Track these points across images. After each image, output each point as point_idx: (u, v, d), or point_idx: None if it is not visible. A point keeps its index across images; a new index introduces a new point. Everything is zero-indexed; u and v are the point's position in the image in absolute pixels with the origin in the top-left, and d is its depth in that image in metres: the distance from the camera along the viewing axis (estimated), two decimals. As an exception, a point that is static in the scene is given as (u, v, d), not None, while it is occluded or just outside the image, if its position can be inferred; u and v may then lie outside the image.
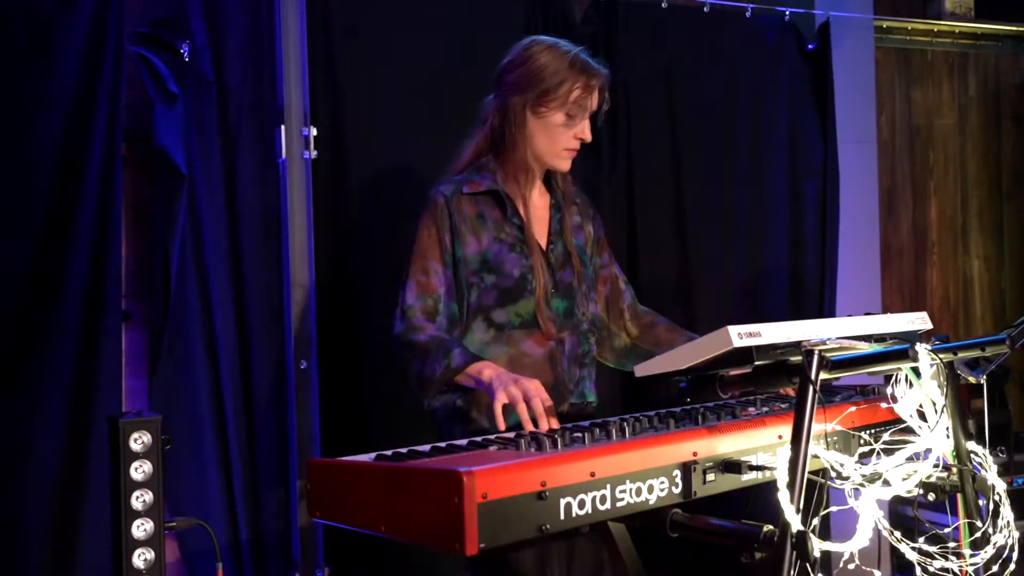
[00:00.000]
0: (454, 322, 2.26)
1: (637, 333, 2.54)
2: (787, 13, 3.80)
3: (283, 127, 2.99)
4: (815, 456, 1.67)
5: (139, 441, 1.92)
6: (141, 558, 1.94)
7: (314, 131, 3.02)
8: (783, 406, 2.02)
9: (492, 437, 1.86)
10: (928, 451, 1.73)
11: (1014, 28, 4.48)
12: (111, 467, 1.96)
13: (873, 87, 4.08)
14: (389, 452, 1.71)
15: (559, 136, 2.29)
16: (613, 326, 2.54)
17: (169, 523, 2.02)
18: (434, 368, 2.10)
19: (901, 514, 3.43)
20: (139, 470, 1.92)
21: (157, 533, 1.93)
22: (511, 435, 1.82)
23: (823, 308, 3.75)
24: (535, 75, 2.27)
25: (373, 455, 1.71)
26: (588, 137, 2.32)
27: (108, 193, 2.71)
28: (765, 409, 1.98)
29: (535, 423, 1.92)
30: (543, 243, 2.35)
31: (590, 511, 1.53)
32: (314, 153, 3.02)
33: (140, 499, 1.93)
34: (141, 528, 1.92)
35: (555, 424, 1.92)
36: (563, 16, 3.42)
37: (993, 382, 3.80)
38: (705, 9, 3.67)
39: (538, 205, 2.40)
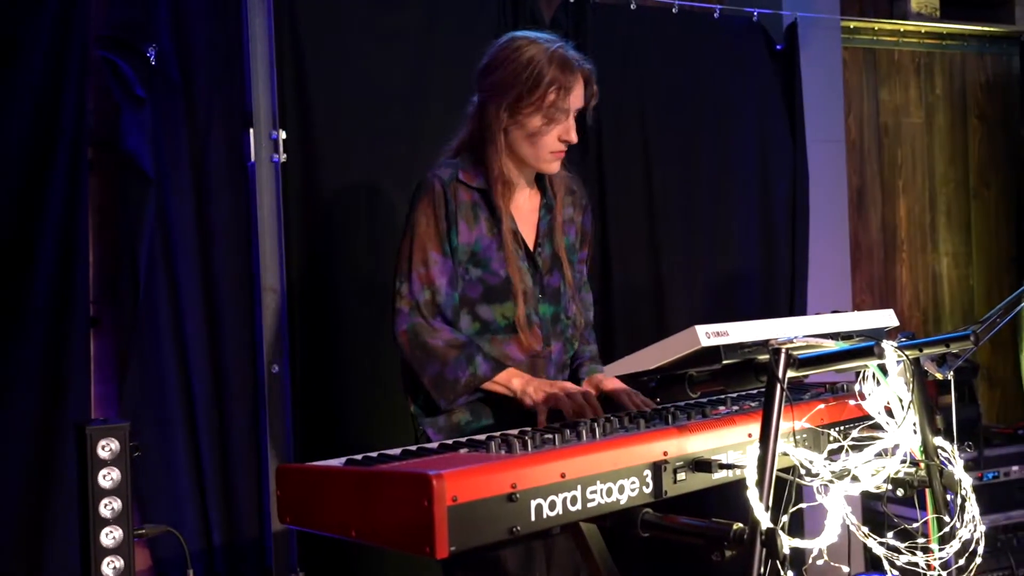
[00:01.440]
0: (457, 312, 2.20)
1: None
2: (755, 14, 3.83)
3: (252, 130, 2.97)
4: (784, 454, 1.68)
5: (107, 448, 1.91)
6: (110, 566, 1.93)
7: (283, 134, 3.00)
8: (753, 404, 2.03)
9: (463, 440, 1.86)
10: (896, 447, 1.74)
11: (979, 28, 4.53)
12: (79, 475, 1.94)
13: (841, 87, 4.11)
14: (359, 456, 1.70)
15: (541, 140, 2.17)
16: None
17: (138, 530, 2.01)
18: (456, 374, 2.09)
19: (873, 510, 3.46)
20: (107, 477, 1.91)
21: (126, 541, 1.92)
22: (482, 437, 1.82)
23: (794, 307, 3.77)
24: (508, 81, 2.15)
25: (343, 459, 1.70)
26: (573, 138, 2.20)
27: (74, 198, 2.69)
28: (735, 408, 1.98)
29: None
30: (531, 244, 2.27)
31: (561, 512, 1.52)
32: (283, 156, 3.00)
33: (108, 507, 1.91)
34: (110, 536, 1.91)
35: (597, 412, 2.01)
36: (532, 18, 3.42)
37: (962, 378, 3.85)
38: (674, 10, 3.69)
39: (525, 208, 2.30)
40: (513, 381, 2.10)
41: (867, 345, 1.61)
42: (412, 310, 2.15)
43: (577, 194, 2.41)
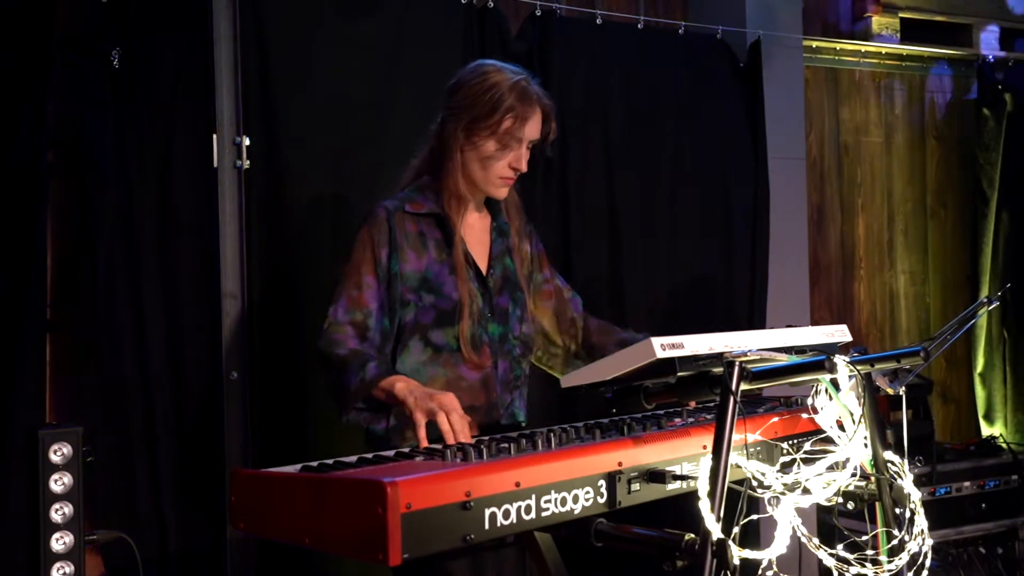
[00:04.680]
0: (387, 337, 2.22)
1: (594, 339, 2.50)
2: (719, 31, 3.87)
3: (215, 136, 2.96)
4: (737, 466, 1.70)
5: (59, 453, 1.89)
6: (60, 572, 1.91)
7: (247, 140, 2.99)
8: (708, 417, 2.05)
9: (419, 448, 1.86)
10: (847, 461, 1.77)
11: (938, 50, 4.61)
12: (30, 479, 1.92)
13: (802, 105, 4.16)
14: (315, 463, 1.70)
15: (492, 165, 2.24)
16: (564, 337, 2.51)
17: (90, 536, 1.98)
18: (350, 381, 2.07)
19: (828, 523, 3.50)
20: (59, 482, 1.89)
21: (77, 546, 1.90)
22: (438, 446, 1.82)
23: (753, 321, 3.81)
24: (468, 102, 2.22)
25: (299, 466, 1.70)
26: (523, 167, 2.27)
27: (33, 201, 2.67)
28: (690, 420, 2.00)
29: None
30: (483, 267, 2.32)
31: (515, 521, 1.53)
32: (247, 162, 2.99)
33: (59, 511, 1.89)
34: (60, 541, 1.89)
35: (469, 438, 1.91)
36: (499, 31, 3.44)
37: (916, 394, 3.90)
38: (639, 26, 3.72)
39: (477, 228, 2.36)
40: (396, 385, 2.02)
41: (819, 359, 1.63)
42: (330, 326, 2.18)
43: (520, 223, 2.46)
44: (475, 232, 2.35)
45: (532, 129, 2.25)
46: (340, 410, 2.13)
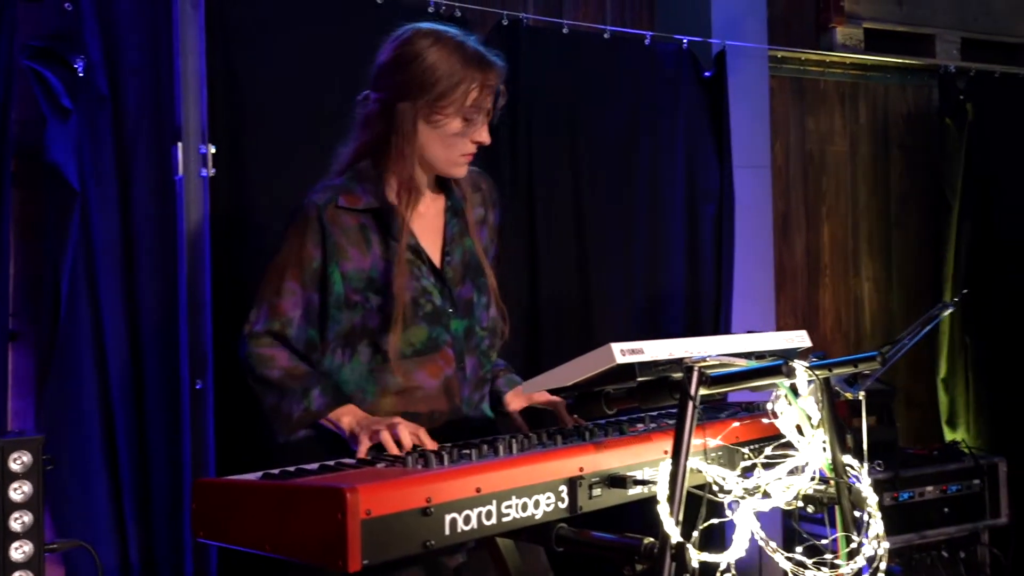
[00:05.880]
0: (312, 347, 2.06)
1: None
2: (685, 41, 3.90)
3: (180, 144, 2.95)
4: (698, 470, 1.71)
5: (19, 461, 1.88)
6: (20, 581, 1.90)
7: (212, 149, 2.98)
8: (670, 422, 2.06)
9: (381, 455, 1.86)
10: (806, 464, 1.79)
11: (901, 60, 4.68)
12: (-11, 488, 1.91)
13: (768, 114, 4.20)
14: (276, 471, 1.70)
15: (456, 143, 2.03)
16: None
17: (49, 545, 1.97)
18: (291, 408, 1.98)
19: (790, 527, 3.53)
20: (18, 491, 1.88)
21: (36, 555, 1.89)
22: (401, 453, 1.83)
23: (719, 327, 3.84)
24: (425, 77, 1.99)
25: (260, 474, 1.69)
26: (487, 140, 2.06)
27: (-5, 209, 2.65)
28: (653, 425, 2.02)
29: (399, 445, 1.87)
30: (436, 257, 2.11)
31: (476, 526, 1.54)
32: (212, 171, 2.98)
33: (19, 520, 1.88)
34: (19, 550, 1.87)
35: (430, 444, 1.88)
36: (466, 39, 3.45)
37: (881, 400, 3.94)
38: (605, 35, 3.75)
39: (429, 214, 2.14)
40: (343, 419, 1.95)
41: (776, 364, 1.65)
42: (251, 337, 2.06)
43: (485, 190, 2.25)
44: (426, 219, 2.12)
45: (491, 97, 2.05)
46: (278, 433, 2.04)
